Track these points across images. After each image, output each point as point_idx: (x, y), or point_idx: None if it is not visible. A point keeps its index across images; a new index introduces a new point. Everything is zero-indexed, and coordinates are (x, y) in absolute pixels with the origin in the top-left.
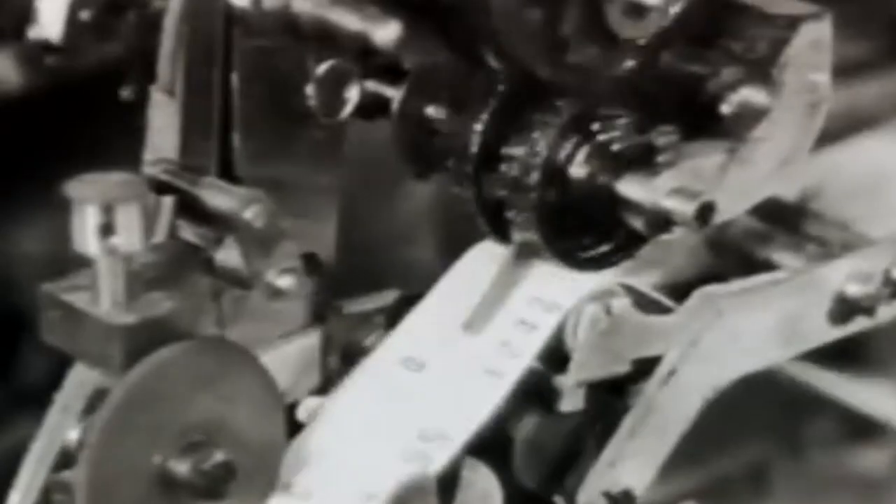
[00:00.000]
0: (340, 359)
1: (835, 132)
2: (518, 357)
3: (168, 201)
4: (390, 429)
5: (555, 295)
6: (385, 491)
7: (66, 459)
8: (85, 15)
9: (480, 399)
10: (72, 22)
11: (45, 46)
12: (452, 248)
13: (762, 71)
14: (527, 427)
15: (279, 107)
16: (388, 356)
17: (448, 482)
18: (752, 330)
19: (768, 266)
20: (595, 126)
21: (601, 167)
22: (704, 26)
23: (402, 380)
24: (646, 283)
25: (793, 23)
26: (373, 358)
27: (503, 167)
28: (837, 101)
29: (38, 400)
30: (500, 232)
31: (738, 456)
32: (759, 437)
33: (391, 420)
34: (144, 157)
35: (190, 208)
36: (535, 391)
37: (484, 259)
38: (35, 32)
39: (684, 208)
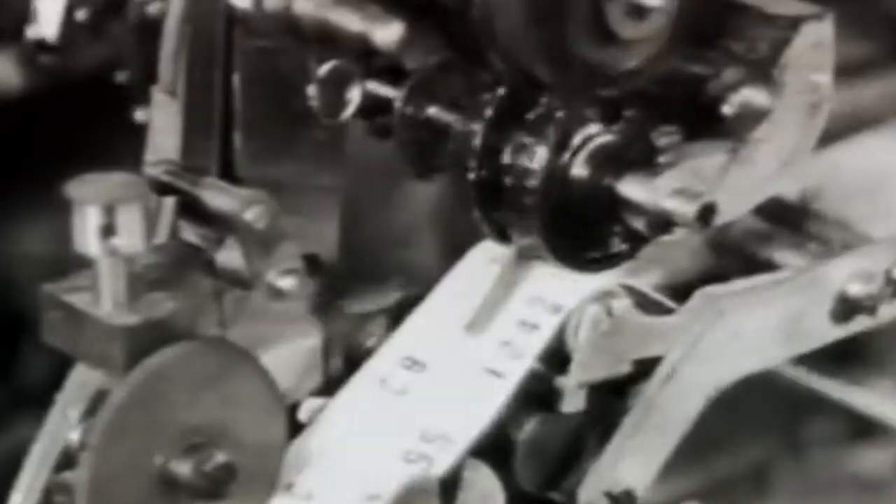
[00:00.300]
0: (342, 360)
1: (836, 132)
2: (519, 358)
3: (169, 202)
4: (392, 430)
5: (556, 295)
6: (387, 492)
7: (67, 460)
8: (81, 14)
9: (482, 400)
10: (68, 21)
11: (41, 45)
12: (454, 248)
13: (763, 71)
14: (528, 428)
15: (281, 107)
16: (389, 357)
17: (450, 483)
18: (754, 330)
19: (770, 266)
20: (596, 127)
21: (602, 168)
22: (705, 27)
23: (403, 380)
24: (647, 283)
25: (794, 23)
26: (374, 359)
27: (504, 168)
28: (839, 102)
29: (39, 401)
30: (502, 233)
31: (739, 456)
32: (760, 437)
33: (393, 421)
34: (145, 157)
35: (191, 209)
36: (536, 392)
37: (485, 260)
38: (33, 32)
39: (686, 209)
